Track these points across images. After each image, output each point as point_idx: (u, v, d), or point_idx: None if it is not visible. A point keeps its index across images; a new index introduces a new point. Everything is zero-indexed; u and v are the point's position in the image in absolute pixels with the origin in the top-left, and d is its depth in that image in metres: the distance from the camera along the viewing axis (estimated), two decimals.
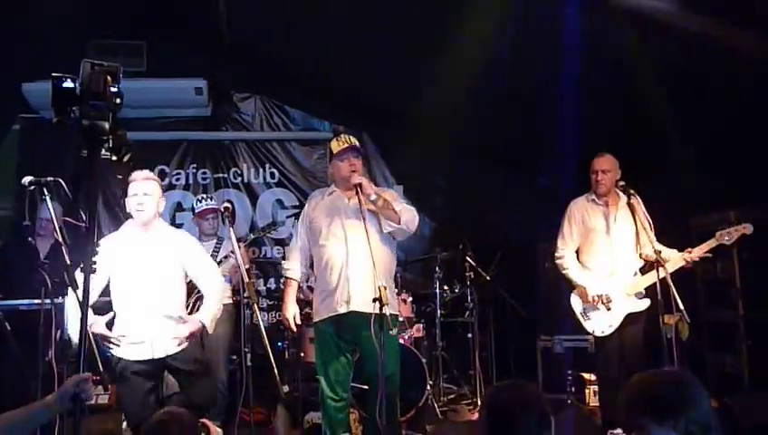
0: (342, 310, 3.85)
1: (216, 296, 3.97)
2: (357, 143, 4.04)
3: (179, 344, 3.73)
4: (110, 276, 3.77)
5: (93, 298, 3.68)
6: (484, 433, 1.95)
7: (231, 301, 5.09)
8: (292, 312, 4.08)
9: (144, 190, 3.81)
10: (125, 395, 3.80)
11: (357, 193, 3.78)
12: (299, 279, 4.16)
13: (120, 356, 3.71)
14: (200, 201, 5.43)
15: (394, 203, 3.93)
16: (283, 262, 4.37)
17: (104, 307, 3.79)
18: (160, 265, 3.80)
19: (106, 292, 3.78)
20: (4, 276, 4.90)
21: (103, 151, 1.95)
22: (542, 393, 2.16)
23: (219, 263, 4.90)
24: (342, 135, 4.06)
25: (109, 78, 2.00)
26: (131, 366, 3.69)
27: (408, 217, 3.95)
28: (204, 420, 2.41)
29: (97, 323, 3.60)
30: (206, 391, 3.87)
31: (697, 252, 4.33)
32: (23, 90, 6.01)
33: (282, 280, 6.60)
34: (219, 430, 2.41)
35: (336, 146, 4.02)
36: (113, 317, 3.73)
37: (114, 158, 1.95)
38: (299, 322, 4.12)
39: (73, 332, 3.45)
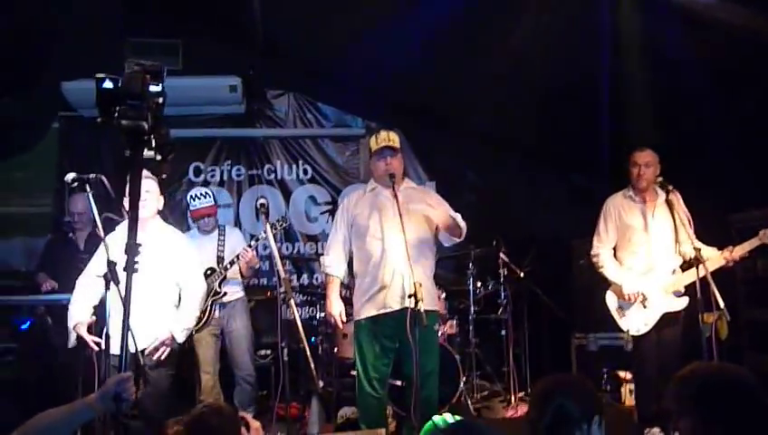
0: (397, 306, 3.84)
1: (192, 307, 3.84)
2: (395, 141, 4.03)
3: (149, 354, 3.60)
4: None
5: (95, 297, 3.68)
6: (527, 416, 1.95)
7: (242, 294, 5.16)
8: (338, 308, 4.07)
9: (145, 188, 3.55)
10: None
11: (393, 185, 3.81)
12: (340, 276, 4.15)
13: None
14: (194, 199, 5.10)
15: (457, 217, 4.00)
16: (322, 258, 4.32)
17: None
18: (151, 265, 3.64)
19: None
20: (49, 271, 5.03)
21: (147, 151, 1.97)
22: (589, 383, 2.11)
23: (231, 263, 4.91)
24: (382, 132, 4.07)
25: (148, 77, 2.01)
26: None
27: (464, 228, 4.04)
28: (243, 414, 2.42)
29: (81, 324, 3.59)
30: (155, 400, 3.63)
31: (738, 251, 4.23)
32: (62, 88, 6.13)
33: (315, 276, 6.77)
34: (257, 423, 2.43)
35: (374, 144, 4.04)
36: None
37: (159, 157, 1.97)
38: (344, 318, 4.11)
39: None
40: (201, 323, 4.82)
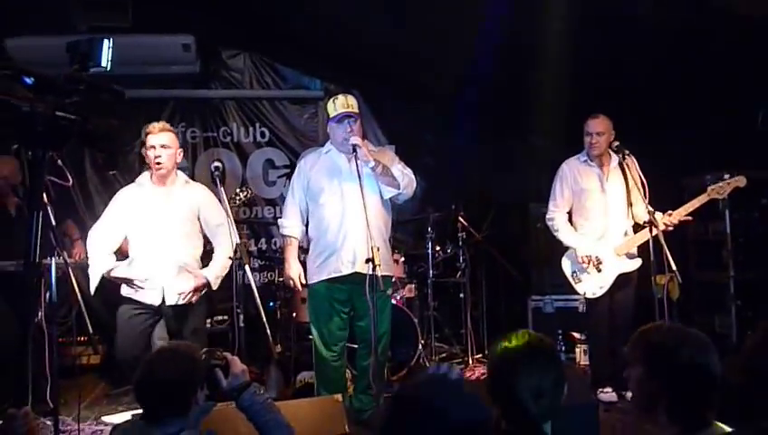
0: (347, 271, 3.84)
1: (226, 255, 3.97)
2: (354, 106, 3.94)
3: (184, 298, 3.84)
4: (128, 227, 3.88)
5: (112, 249, 3.88)
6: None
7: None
8: (296, 270, 4.04)
9: (161, 142, 3.81)
10: (121, 332, 3.89)
11: (354, 153, 3.76)
12: (298, 237, 4.13)
13: (128, 297, 3.85)
14: None
15: (393, 168, 3.93)
16: (279, 220, 4.30)
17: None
18: (177, 219, 3.86)
19: None
20: None
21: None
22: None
23: None
24: (340, 96, 3.96)
25: None
26: (133, 310, 3.84)
27: (407, 181, 3.96)
28: (225, 354, 2.33)
29: (118, 268, 3.77)
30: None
31: (681, 212, 4.32)
32: (6, 46, 5.85)
33: (273, 240, 6.70)
34: (241, 365, 2.34)
35: (332, 109, 3.94)
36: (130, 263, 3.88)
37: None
38: (304, 281, 4.06)
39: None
40: None
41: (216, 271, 3.95)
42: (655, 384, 1.80)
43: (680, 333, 1.87)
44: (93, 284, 3.78)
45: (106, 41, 1.89)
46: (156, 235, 3.83)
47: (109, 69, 1.88)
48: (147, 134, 3.84)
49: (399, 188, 3.93)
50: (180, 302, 3.86)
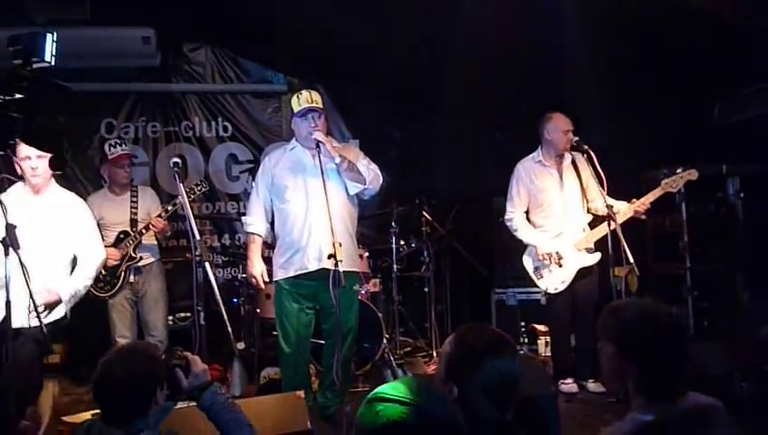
0: (313, 267, 3.84)
1: (86, 274, 3.64)
2: (318, 101, 3.94)
3: (33, 314, 3.20)
4: None
5: None
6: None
7: (158, 257, 4.99)
8: (259, 268, 4.03)
9: (38, 153, 3.38)
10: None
11: (318, 149, 3.75)
12: (263, 234, 4.10)
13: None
14: (114, 146, 4.88)
15: (358, 163, 3.93)
16: (243, 217, 4.27)
17: None
18: (48, 233, 3.51)
19: None
20: None
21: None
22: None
23: (146, 228, 4.68)
24: (304, 92, 3.96)
25: None
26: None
27: (372, 176, 3.98)
28: (185, 353, 2.27)
29: None
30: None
31: (643, 202, 4.42)
32: None
33: (237, 236, 6.64)
34: (202, 364, 2.28)
35: (296, 105, 3.93)
36: None
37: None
38: (267, 278, 4.07)
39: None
40: (116, 289, 4.71)
41: (71, 287, 3.53)
42: (625, 360, 1.85)
43: (647, 309, 1.92)
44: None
45: (49, 35, 1.81)
46: (25, 246, 3.25)
47: (53, 64, 1.80)
48: (17, 144, 3.24)
49: (365, 184, 3.95)
50: (32, 323, 3.24)
